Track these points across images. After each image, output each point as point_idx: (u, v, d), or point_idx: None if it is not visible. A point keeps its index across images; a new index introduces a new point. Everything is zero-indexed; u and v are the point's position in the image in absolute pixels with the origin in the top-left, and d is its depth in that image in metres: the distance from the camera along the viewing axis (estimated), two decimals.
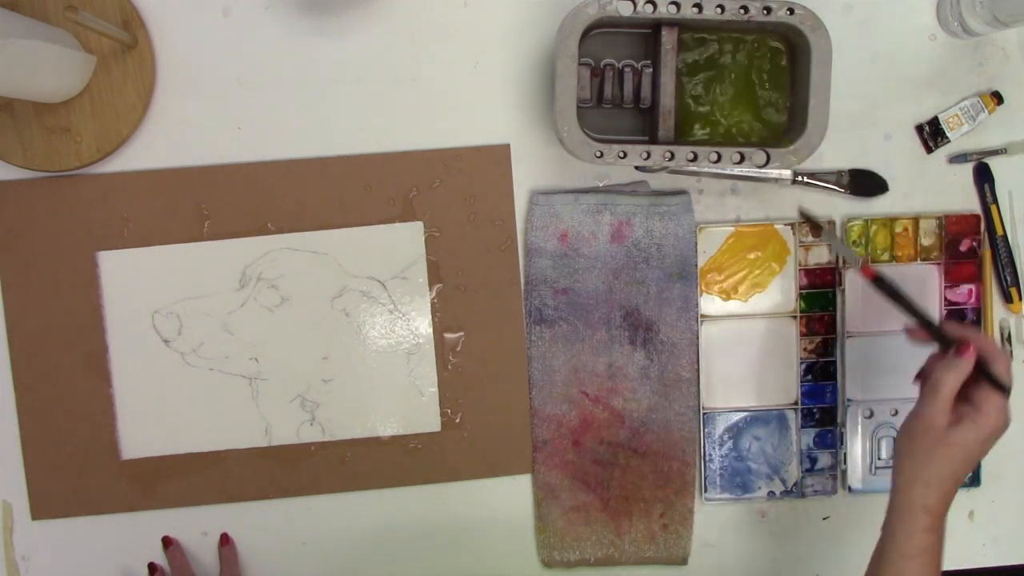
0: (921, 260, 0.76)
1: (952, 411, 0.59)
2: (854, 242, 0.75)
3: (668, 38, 0.68)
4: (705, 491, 0.76)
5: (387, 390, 0.74)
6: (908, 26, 0.75)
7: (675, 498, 0.75)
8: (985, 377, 0.60)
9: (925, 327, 0.63)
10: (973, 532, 0.79)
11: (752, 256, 0.75)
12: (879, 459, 0.76)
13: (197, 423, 0.74)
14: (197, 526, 0.75)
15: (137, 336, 0.73)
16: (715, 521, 0.77)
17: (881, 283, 0.63)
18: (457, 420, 0.75)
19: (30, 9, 0.68)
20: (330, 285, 0.74)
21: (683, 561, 0.76)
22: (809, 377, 0.76)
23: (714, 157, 0.66)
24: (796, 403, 0.76)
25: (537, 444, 0.75)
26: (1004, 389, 0.59)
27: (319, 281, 0.74)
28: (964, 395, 0.60)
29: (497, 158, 0.74)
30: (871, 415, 0.76)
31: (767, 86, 0.70)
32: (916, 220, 0.75)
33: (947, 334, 0.62)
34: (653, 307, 0.74)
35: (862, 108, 0.75)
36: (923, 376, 0.63)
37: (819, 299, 0.75)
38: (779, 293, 0.75)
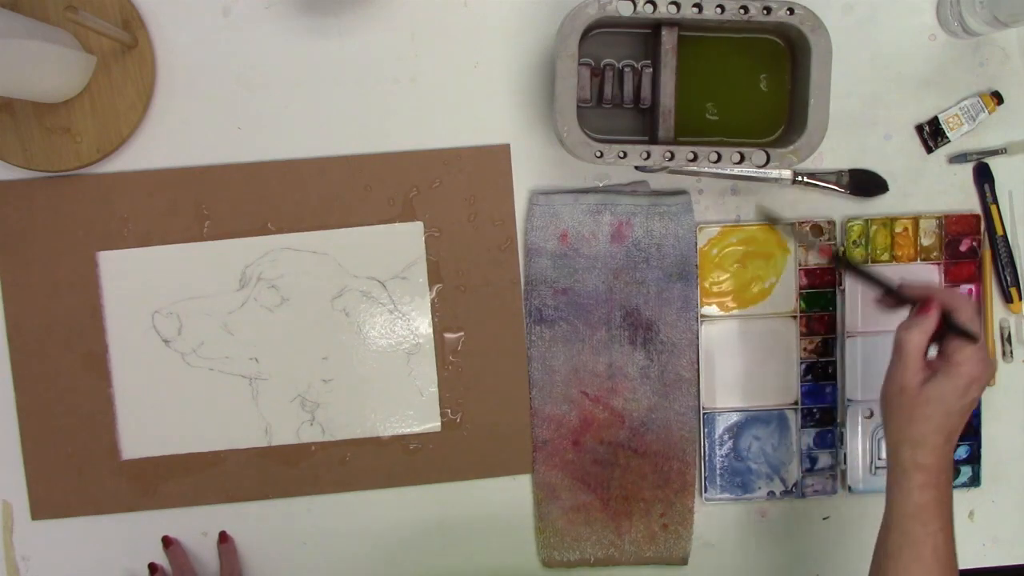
0: (921, 260, 0.76)
1: (927, 368, 0.59)
2: (854, 242, 0.75)
3: (668, 38, 0.68)
4: (705, 491, 0.76)
5: (387, 390, 0.74)
6: (908, 26, 0.75)
7: (675, 498, 0.75)
8: (951, 328, 0.59)
9: (888, 294, 0.63)
10: (973, 532, 0.79)
11: (750, 268, 0.75)
12: (879, 459, 0.76)
13: (197, 423, 0.74)
14: (197, 526, 0.75)
15: (137, 336, 0.73)
16: (715, 521, 0.77)
17: (839, 261, 0.64)
18: (457, 420, 0.75)
19: (30, 9, 0.68)
20: (330, 285, 0.74)
21: (683, 561, 0.76)
22: (809, 377, 0.76)
23: (714, 157, 0.66)
24: (796, 403, 0.76)
25: (537, 444, 0.75)
26: (971, 336, 0.58)
27: (319, 281, 0.74)
28: (940, 351, 0.60)
29: (497, 158, 0.74)
30: (871, 415, 0.76)
31: (767, 86, 0.70)
32: (916, 220, 0.75)
33: (908, 295, 0.62)
34: (653, 307, 0.74)
35: (862, 108, 0.75)
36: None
37: (819, 299, 0.75)
38: (779, 293, 0.75)
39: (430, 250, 0.74)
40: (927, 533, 0.58)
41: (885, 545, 0.60)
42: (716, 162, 0.67)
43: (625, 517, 0.75)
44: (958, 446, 0.77)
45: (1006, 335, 0.77)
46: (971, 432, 0.77)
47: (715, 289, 0.75)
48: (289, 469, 0.75)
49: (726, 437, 0.76)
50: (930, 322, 0.59)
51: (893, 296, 0.63)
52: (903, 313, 0.63)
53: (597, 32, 0.70)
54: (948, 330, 0.60)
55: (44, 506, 0.74)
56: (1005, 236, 0.76)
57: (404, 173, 0.73)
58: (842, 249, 0.68)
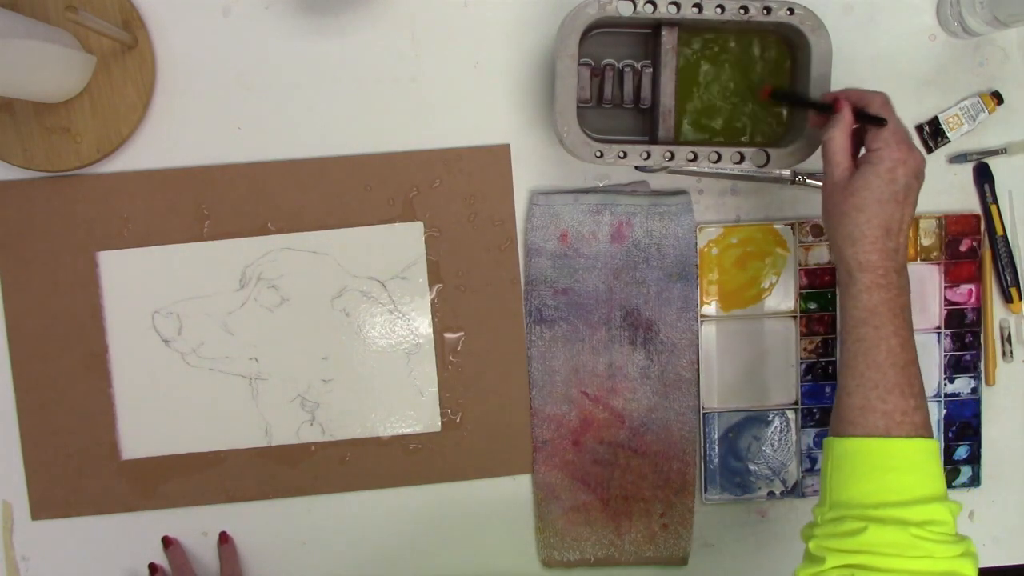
0: (921, 260, 0.76)
1: (853, 167, 0.60)
2: None
3: (668, 38, 0.68)
4: (705, 491, 0.76)
5: (387, 390, 0.74)
6: (908, 26, 0.75)
7: (675, 498, 0.75)
8: (862, 119, 0.60)
9: (813, 108, 0.65)
10: (973, 532, 0.78)
11: (750, 266, 0.75)
12: None
13: (197, 423, 0.74)
14: (197, 526, 0.75)
15: (137, 336, 0.73)
16: (715, 521, 0.77)
17: (777, 94, 0.66)
18: (457, 420, 0.75)
19: (30, 9, 0.68)
20: (330, 285, 0.74)
21: (683, 561, 0.76)
22: (809, 377, 0.76)
23: (714, 157, 0.66)
24: (796, 403, 0.76)
25: (537, 444, 0.75)
26: (880, 121, 0.59)
27: (319, 281, 0.74)
28: (863, 147, 0.60)
29: (497, 158, 0.74)
30: None
31: (766, 86, 0.70)
32: (916, 220, 0.75)
33: (825, 101, 0.63)
34: (653, 307, 0.74)
35: None
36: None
37: (819, 299, 0.75)
38: (779, 293, 0.75)
39: (430, 250, 0.74)
40: (879, 337, 0.57)
41: (842, 363, 0.59)
42: (716, 162, 0.67)
43: (625, 517, 0.75)
44: (958, 446, 0.77)
45: (1006, 335, 0.77)
46: (971, 432, 0.77)
47: (715, 289, 0.75)
48: (289, 469, 0.75)
49: (726, 437, 0.76)
50: (843, 119, 0.60)
51: (817, 109, 0.64)
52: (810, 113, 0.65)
53: (597, 32, 0.70)
54: (860, 122, 0.60)
55: (44, 506, 0.74)
56: (1005, 236, 0.76)
57: (404, 173, 0.73)
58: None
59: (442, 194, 0.73)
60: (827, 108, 0.63)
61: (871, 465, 0.56)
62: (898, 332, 0.57)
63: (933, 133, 0.75)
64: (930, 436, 0.57)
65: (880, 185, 0.57)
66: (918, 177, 0.59)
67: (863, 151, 0.60)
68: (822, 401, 0.76)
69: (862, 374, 0.57)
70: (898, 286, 0.58)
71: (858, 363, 0.58)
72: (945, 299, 0.76)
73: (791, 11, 0.65)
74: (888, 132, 0.58)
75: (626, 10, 0.65)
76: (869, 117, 0.60)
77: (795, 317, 0.75)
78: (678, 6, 0.65)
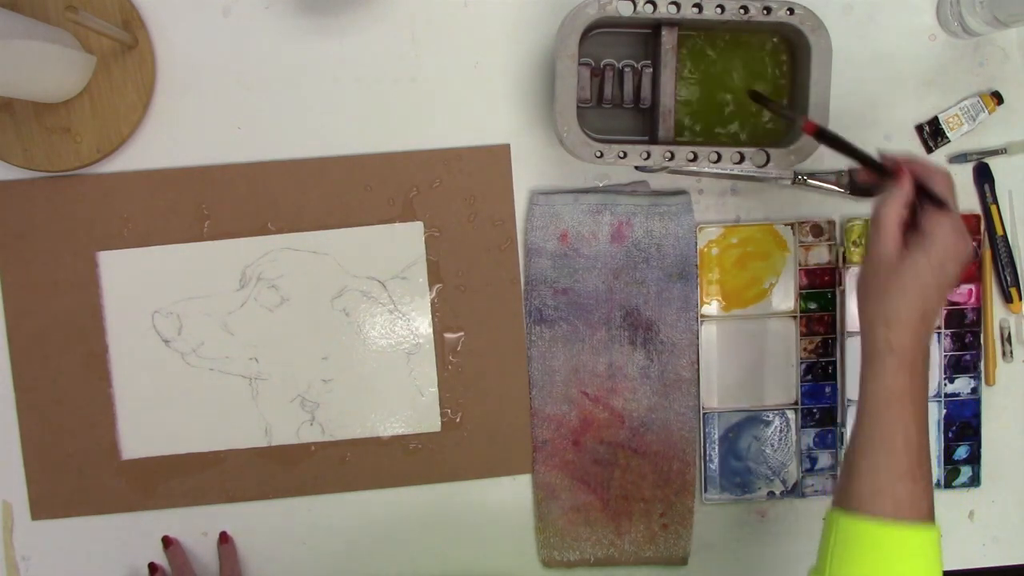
0: None
1: (903, 243, 0.57)
2: (854, 242, 0.75)
3: (668, 38, 0.68)
4: (705, 491, 0.76)
5: (387, 390, 0.74)
6: (908, 26, 0.75)
7: (675, 498, 0.75)
8: (925, 198, 0.57)
9: (866, 165, 0.61)
10: (973, 532, 0.79)
11: (750, 266, 0.75)
12: None
13: (197, 423, 0.74)
14: (197, 526, 0.75)
15: (137, 336, 0.73)
16: (715, 521, 0.77)
17: (822, 134, 0.61)
18: (457, 420, 0.75)
19: (30, 9, 0.68)
20: (330, 285, 0.74)
21: (683, 561, 0.76)
22: (809, 377, 0.76)
23: (714, 157, 0.66)
24: (796, 403, 0.76)
25: (537, 444, 0.75)
26: (943, 204, 0.57)
27: (319, 281, 0.74)
28: (910, 223, 0.58)
29: (497, 158, 0.74)
30: None
31: (767, 86, 0.70)
32: None
33: (885, 166, 0.60)
34: (653, 307, 0.74)
35: (862, 108, 0.75)
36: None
37: (819, 299, 0.75)
38: (779, 293, 0.75)
39: (430, 250, 0.74)
40: (898, 422, 0.56)
41: (856, 437, 0.58)
42: (716, 162, 0.67)
43: (625, 517, 0.75)
44: (958, 446, 0.77)
45: (1006, 335, 0.77)
46: (971, 432, 0.77)
47: (715, 289, 0.75)
48: (289, 469, 0.75)
49: (726, 437, 0.76)
50: (903, 193, 0.57)
51: (871, 167, 0.61)
52: (854, 163, 0.61)
53: (597, 32, 0.70)
54: (921, 200, 0.57)
55: (44, 506, 0.74)
56: (1005, 236, 0.76)
57: (404, 173, 0.73)
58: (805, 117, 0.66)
59: (442, 194, 0.73)
60: (879, 167, 0.60)
61: (877, 551, 0.56)
62: (917, 417, 0.56)
63: (933, 133, 0.75)
64: (934, 523, 0.56)
65: (928, 272, 0.55)
66: (965, 267, 0.57)
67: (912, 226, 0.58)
68: (822, 401, 0.76)
69: (876, 458, 0.56)
70: (923, 370, 0.57)
71: (873, 445, 0.56)
72: (945, 299, 0.76)
73: (791, 11, 0.65)
74: (947, 217, 0.56)
75: (626, 10, 0.65)
76: (931, 196, 0.57)
77: (795, 317, 0.75)
78: (678, 6, 0.65)
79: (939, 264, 0.56)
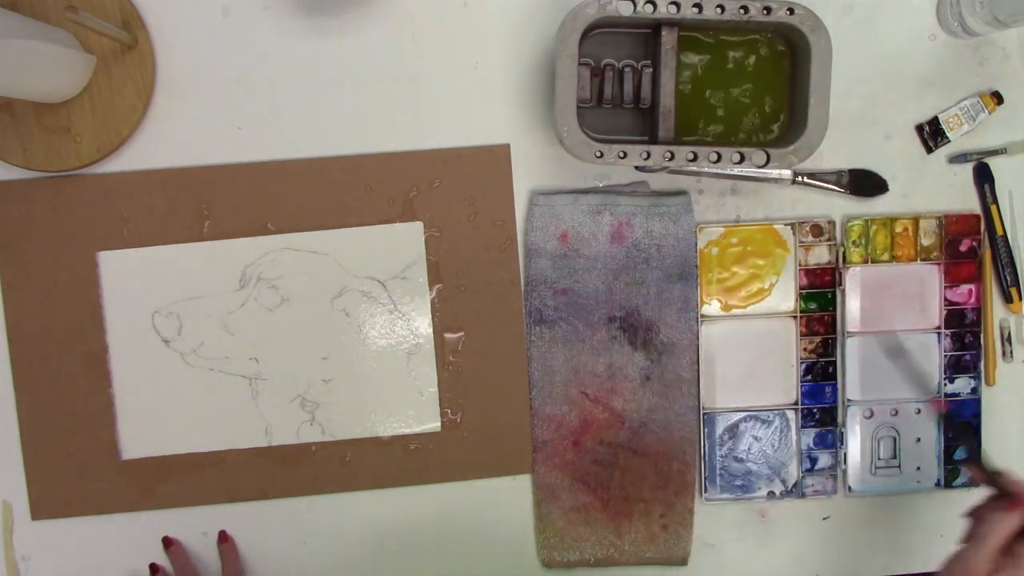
0: (921, 260, 0.76)
1: (997, 561, 0.59)
2: (854, 242, 0.75)
3: (668, 38, 0.68)
4: (705, 491, 0.76)
5: (387, 390, 0.74)
6: (908, 26, 0.75)
7: (675, 498, 0.75)
8: None
9: (982, 471, 0.64)
10: None
11: (750, 266, 0.75)
12: (879, 459, 0.76)
13: (197, 423, 0.74)
14: (197, 526, 0.75)
15: (137, 336, 0.73)
16: (715, 521, 0.77)
17: (951, 420, 0.66)
18: (457, 420, 0.75)
19: (30, 9, 0.68)
20: (330, 285, 0.74)
21: (683, 562, 0.76)
22: (809, 377, 0.76)
23: (714, 157, 0.66)
24: (796, 403, 0.76)
25: (537, 444, 0.75)
26: None
27: (319, 281, 0.74)
28: (1007, 546, 0.60)
29: (497, 158, 0.74)
30: (871, 415, 0.76)
31: (767, 86, 0.70)
32: (916, 220, 0.75)
33: (1004, 484, 0.62)
34: (653, 307, 0.74)
35: (862, 108, 0.75)
36: (975, 515, 0.63)
37: (819, 299, 0.75)
38: (779, 293, 0.75)
39: (430, 250, 0.74)
40: None
41: None
42: (716, 162, 0.67)
43: (625, 518, 0.75)
44: (957, 447, 0.77)
45: (1006, 335, 0.77)
46: (971, 432, 0.77)
47: (715, 289, 0.75)
48: (289, 469, 0.75)
49: (726, 437, 0.76)
50: (1018, 521, 0.60)
51: (987, 477, 0.64)
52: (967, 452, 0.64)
53: (597, 32, 0.70)
54: None
55: (44, 506, 0.74)
56: (1005, 236, 0.76)
57: (404, 173, 0.73)
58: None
59: (442, 194, 0.73)
60: (999, 484, 0.63)
61: None
62: None
63: (933, 133, 0.75)
64: None
65: None
66: None
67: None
68: (822, 401, 0.76)
69: None
70: None
71: None
72: (945, 299, 0.76)
73: (791, 11, 0.65)
74: None
75: (626, 10, 0.65)
76: None
77: (795, 317, 0.75)
78: (678, 6, 0.65)
79: None
